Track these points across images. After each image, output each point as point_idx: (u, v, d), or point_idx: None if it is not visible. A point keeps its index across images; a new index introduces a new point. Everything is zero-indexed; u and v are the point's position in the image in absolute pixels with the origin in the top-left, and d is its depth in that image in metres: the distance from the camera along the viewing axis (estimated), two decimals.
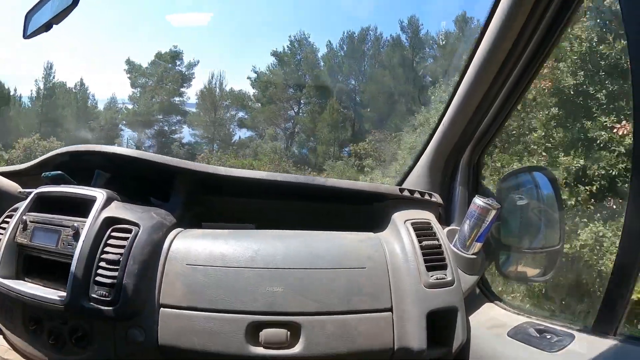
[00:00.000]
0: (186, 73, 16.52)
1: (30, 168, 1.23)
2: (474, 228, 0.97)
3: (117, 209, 0.93)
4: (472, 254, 0.98)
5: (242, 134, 16.26)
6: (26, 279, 0.95)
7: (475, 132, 1.06)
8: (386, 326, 0.86)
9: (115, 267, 0.84)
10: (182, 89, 16.62)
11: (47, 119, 15.13)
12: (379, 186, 1.09)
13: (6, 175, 1.26)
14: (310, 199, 1.13)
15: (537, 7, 0.81)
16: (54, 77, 15.76)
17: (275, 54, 15.77)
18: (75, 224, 0.90)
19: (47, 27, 1.05)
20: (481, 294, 1.05)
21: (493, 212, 0.95)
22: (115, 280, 0.83)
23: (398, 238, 0.96)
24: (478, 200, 0.96)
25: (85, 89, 16.28)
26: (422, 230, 0.98)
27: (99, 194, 0.94)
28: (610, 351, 0.75)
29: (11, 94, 15.47)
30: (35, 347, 0.91)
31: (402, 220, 1.00)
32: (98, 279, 0.84)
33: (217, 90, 16.18)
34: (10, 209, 1.08)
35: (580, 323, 0.85)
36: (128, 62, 16.32)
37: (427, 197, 1.07)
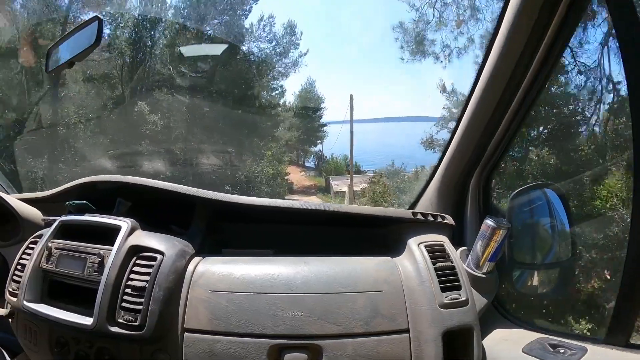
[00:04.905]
0: None
1: (53, 196, 1.27)
2: (486, 248, 0.98)
3: (141, 237, 0.96)
4: (486, 273, 0.99)
5: None
6: (51, 302, 0.97)
7: (483, 155, 1.09)
8: (404, 347, 0.88)
9: (141, 293, 0.87)
10: None
11: None
12: (393, 210, 1.11)
13: (28, 202, 1.31)
14: (326, 224, 1.15)
15: (536, 30, 0.84)
16: None
17: None
18: (101, 252, 0.93)
19: (70, 64, 1.13)
20: (496, 311, 1.06)
21: (504, 232, 0.97)
22: (141, 306, 0.86)
23: (412, 261, 0.98)
24: (489, 221, 0.98)
25: None
26: (436, 252, 1.00)
27: (124, 223, 0.97)
28: None
29: None
30: None
31: (416, 243, 1.02)
32: (124, 304, 0.87)
33: None
34: (34, 235, 1.11)
35: (592, 336, 0.86)
36: None
37: (439, 219, 1.09)
